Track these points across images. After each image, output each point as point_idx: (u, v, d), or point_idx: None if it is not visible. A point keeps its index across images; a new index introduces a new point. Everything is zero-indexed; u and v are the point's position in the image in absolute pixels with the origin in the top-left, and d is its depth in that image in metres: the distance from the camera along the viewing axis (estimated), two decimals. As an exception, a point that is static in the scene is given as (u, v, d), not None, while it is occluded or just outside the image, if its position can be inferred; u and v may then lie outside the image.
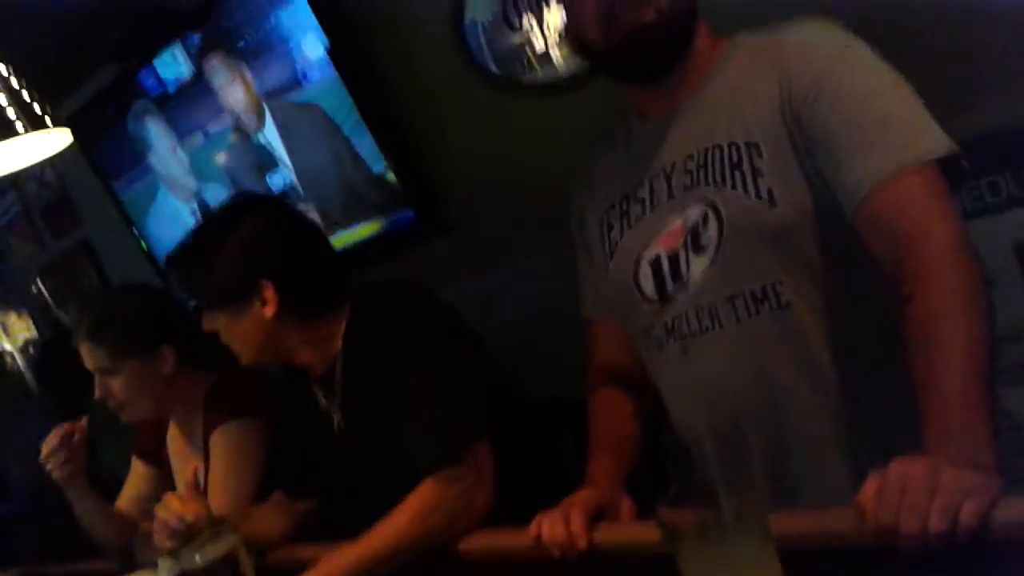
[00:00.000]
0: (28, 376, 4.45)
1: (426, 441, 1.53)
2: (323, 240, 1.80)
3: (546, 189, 2.30)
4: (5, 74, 1.78)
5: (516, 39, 2.24)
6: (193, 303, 1.78)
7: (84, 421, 2.06)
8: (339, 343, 1.70)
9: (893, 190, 1.14)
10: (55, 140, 1.91)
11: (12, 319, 4.53)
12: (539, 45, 2.21)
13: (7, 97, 1.75)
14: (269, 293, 1.65)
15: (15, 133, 1.76)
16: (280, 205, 2.01)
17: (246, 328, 1.68)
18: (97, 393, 2.05)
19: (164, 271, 1.73)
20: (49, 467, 2.03)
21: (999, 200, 1.73)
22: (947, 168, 1.16)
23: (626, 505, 1.28)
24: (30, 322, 4.41)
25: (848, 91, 1.20)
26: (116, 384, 2.02)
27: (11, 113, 1.74)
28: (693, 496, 0.86)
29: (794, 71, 1.24)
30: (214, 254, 1.67)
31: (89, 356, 2.03)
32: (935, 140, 1.16)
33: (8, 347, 4.58)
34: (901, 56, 1.26)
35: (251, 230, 1.68)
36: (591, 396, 1.50)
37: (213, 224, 1.76)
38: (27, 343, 4.47)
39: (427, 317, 1.65)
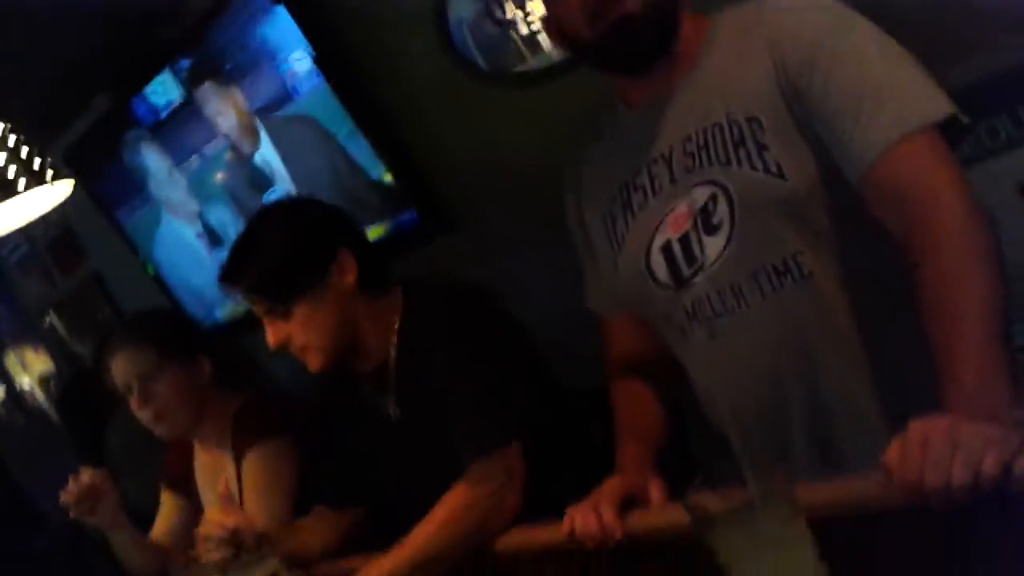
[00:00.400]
0: (50, 410, 4.49)
1: (466, 434, 1.57)
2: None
3: (546, 178, 2.30)
4: (2, 133, 1.78)
5: (502, 32, 2.24)
6: (256, 305, 1.68)
7: (103, 471, 2.04)
8: (394, 335, 1.70)
9: (897, 157, 1.14)
10: (57, 191, 1.92)
11: (29, 355, 4.56)
12: (525, 35, 2.21)
13: (6, 156, 1.75)
14: (347, 260, 1.64)
15: (16, 192, 1.76)
16: (307, 197, 2.12)
17: (325, 311, 1.63)
18: (135, 405, 2.05)
19: (221, 281, 1.66)
20: (75, 514, 2.02)
21: (998, 143, 1.72)
22: (947, 125, 1.17)
23: (655, 487, 1.27)
24: (47, 356, 4.44)
25: (843, 60, 1.19)
26: (159, 388, 2.03)
27: (11, 172, 1.74)
28: (721, 481, 0.87)
29: (786, 44, 1.23)
30: (276, 242, 1.65)
31: (129, 363, 2.04)
32: (934, 103, 1.16)
33: (27, 383, 4.62)
34: (896, 12, 1.25)
35: (308, 210, 1.73)
36: (612, 389, 1.50)
37: (265, 222, 1.73)
38: (45, 377, 4.51)
39: (481, 317, 1.67)
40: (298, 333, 1.64)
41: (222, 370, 2.09)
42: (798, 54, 1.22)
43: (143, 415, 2.07)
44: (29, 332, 4.45)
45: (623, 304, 1.47)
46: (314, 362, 1.67)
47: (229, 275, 1.68)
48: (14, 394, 4.75)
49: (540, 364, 1.75)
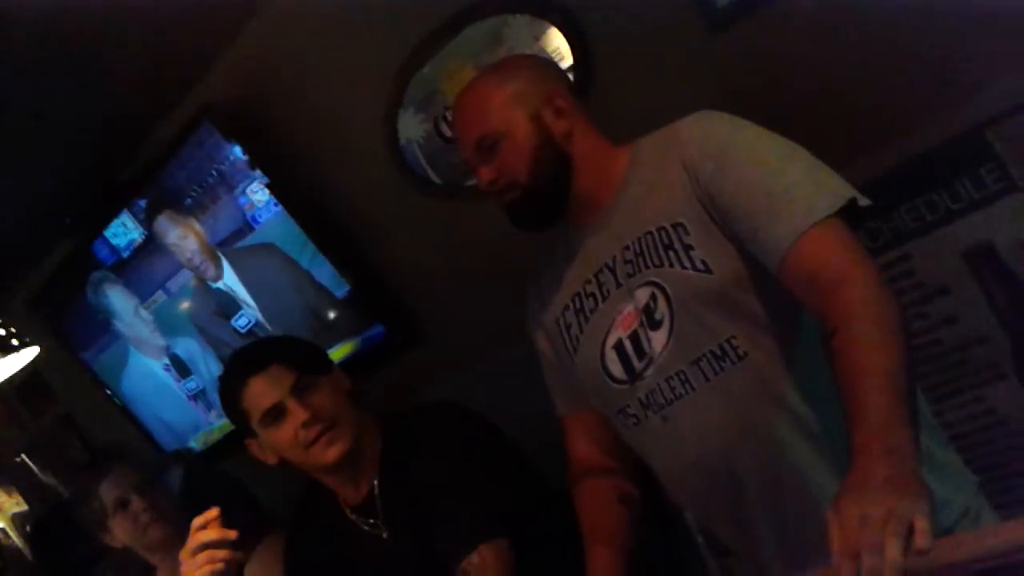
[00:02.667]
0: (25, 550, 4.39)
1: (451, 537, 1.60)
2: None
3: (502, 284, 2.36)
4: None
5: (451, 148, 2.30)
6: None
7: None
8: (375, 466, 1.75)
9: (807, 245, 1.25)
10: (23, 356, 2.00)
11: (1, 497, 4.48)
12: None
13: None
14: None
15: (-18, 361, 1.79)
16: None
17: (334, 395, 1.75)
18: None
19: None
20: None
21: (938, 215, 1.79)
22: (851, 210, 1.27)
23: None
24: (19, 497, 4.37)
25: (748, 164, 1.33)
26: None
27: (-22, 347, 1.76)
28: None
29: (695, 156, 1.37)
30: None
31: (123, 477, 2.12)
32: (835, 192, 1.28)
33: (1, 524, 4.52)
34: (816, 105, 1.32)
35: None
36: (574, 491, 1.56)
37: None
38: (19, 517, 4.42)
39: (457, 426, 1.73)
40: (327, 401, 1.74)
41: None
42: (707, 162, 1.35)
43: (145, 516, 2.11)
44: (1, 474, 4.38)
45: (584, 402, 1.56)
46: (340, 444, 1.72)
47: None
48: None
49: (523, 464, 1.78)
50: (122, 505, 2.13)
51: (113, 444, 2.43)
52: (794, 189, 1.28)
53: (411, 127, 2.33)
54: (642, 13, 1.93)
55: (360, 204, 2.54)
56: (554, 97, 1.47)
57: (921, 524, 0.93)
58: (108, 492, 2.13)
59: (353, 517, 1.79)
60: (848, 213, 1.27)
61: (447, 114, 2.27)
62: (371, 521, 1.76)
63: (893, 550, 0.91)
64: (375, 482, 1.75)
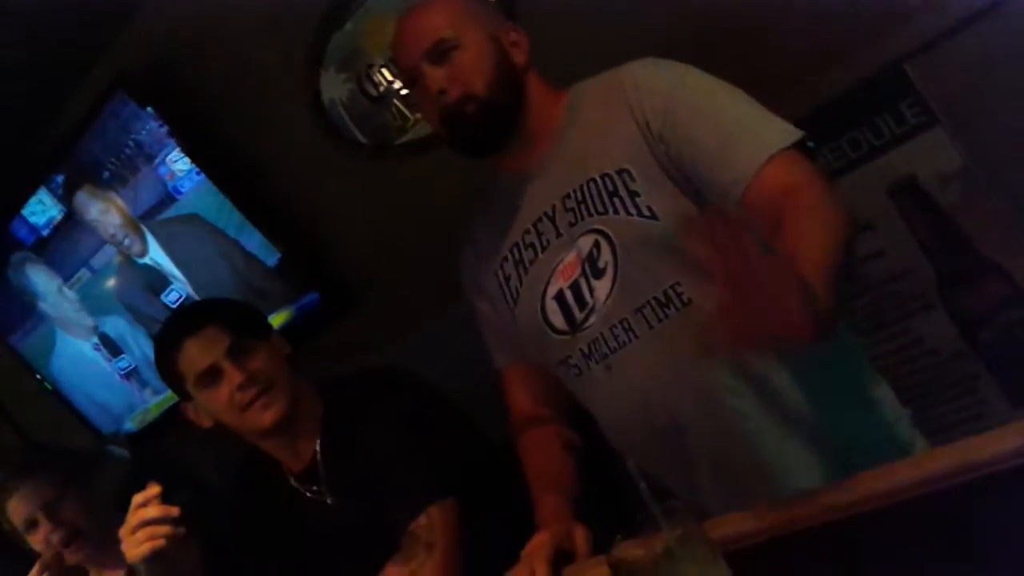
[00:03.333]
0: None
1: (400, 499, 1.60)
2: None
3: (439, 244, 2.34)
4: None
5: (377, 107, 2.26)
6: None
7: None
8: (316, 434, 1.73)
9: (766, 177, 1.26)
10: None
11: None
12: (401, 107, 2.24)
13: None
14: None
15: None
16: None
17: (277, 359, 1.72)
18: (42, 536, 1.99)
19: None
20: None
21: (861, 152, 1.82)
22: (800, 149, 1.29)
23: (580, 535, 1.31)
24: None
25: (699, 106, 1.33)
26: (66, 512, 1.99)
27: None
28: (640, 530, 0.89)
29: (644, 100, 1.35)
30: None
31: (31, 497, 1.99)
32: (784, 130, 1.29)
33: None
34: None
35: None
36: (518, 442, 1.55)
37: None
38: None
39: (398, 391, 1.71)
40: (263, 365, 1.69)
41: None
42: (656, 106, 1.34)
43: (55, 538, 2.00)
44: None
45: (522, 354, 1.54)
46: (276, 407, 1.68)
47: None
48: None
49: (466, 424, 1.78)
50: (31, 526, 2.01)
51: (27, 448, 2.31)
52: (745, 128, 1.29)
53: (334, 87, 2.28)
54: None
55: (286, 168, 2.49)
56: (510, 29, 1.45)
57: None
58: (16, 512, 2.00)
59: (296, 485, 1.77)
60: (799, 150, 1.28)
61: (370, 72, 2.23)
62: (314, 488, 1.75)
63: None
64: (317, 448, 1.73)
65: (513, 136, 1.44)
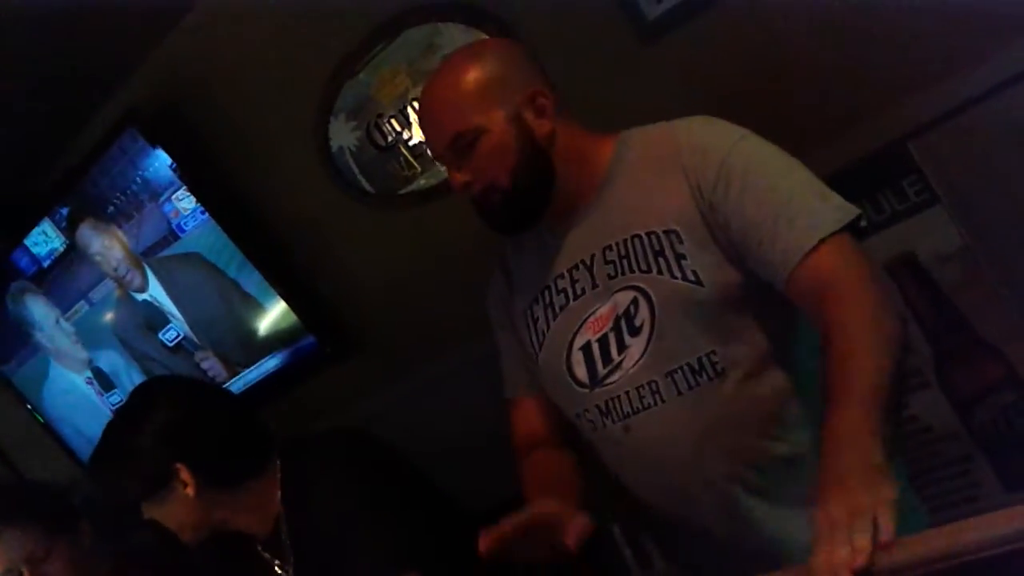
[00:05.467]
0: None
1: (366, 572, 1.54)
2: (233, 404, 1.79)
3: (440, 293, 2.36)
4: None
5: (384, 156, 2.28)
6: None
7: None
8: (278, 502, 1.69)
9: (816, 261, 1.23)
10: None
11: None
12: (408, 157, 2.26)
13: None
14: (185, 475, 1.64)
15: None
16: (183, 384, 1.98)
17: (176, 511, 1.66)
18: None
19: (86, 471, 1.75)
20: None
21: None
22: (854, 227, 1.27)
23: (578, 522, 1.22)
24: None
25: (754, 176, 1.30)
26: (51, 569, 1.92)
27: None
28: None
29: (698, 165, 1.33)
30: (127, 453, 1.66)
31: (15, 547, 1.91)
32: (840, 209, 1.27)
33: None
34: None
35: (156, 419, 1.67)
36: (524, 462, 1.49)
37: (119, 422, 1.73)
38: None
39: (359, 460, 1.66)
40: (160, 520, 1.67)
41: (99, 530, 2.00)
42: (711, 172, 1.31)
43: None
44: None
45: (533, 387, 1.52)
46: (183, 537, 1.69)
47: (89, 472, 1.78)
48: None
49: (428, 489, 1.74)
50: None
51: (19, 488, 2.22)
52: (799, 203, 1.26)
53: (343, 135, 2.30)
54: (575, 23, 1.94)
55: (290, 212, 2.50)
56: (536, 95, 1.37)
57: (883, 518, 0.96)
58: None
59: (264, 554, 1.74)
60: (851, 230, 1.26)
61: (379, 122, 2.25)
62: (278, 563, 1.73)
63: (861, 541, 0.94)
64: (283, 523, 1.70)
65: (550, 203, 1.41)
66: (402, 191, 2.30)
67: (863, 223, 1.29)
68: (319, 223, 2.48)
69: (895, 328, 1.18)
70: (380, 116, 2.25)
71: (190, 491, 1.64)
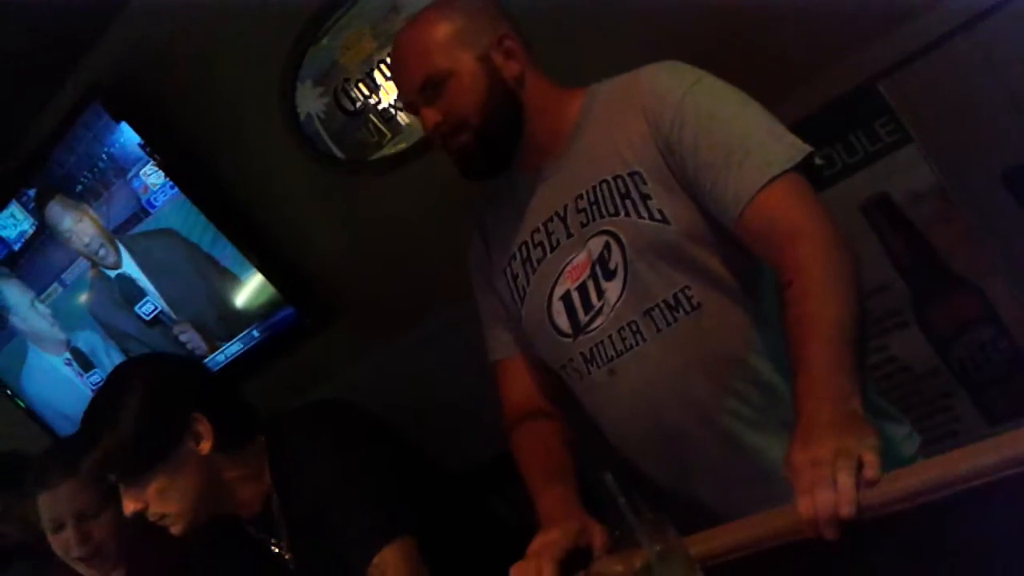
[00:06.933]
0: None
1: (354, 544, 1.53)
2: (212, 371, 1.78)
3: (415, 257, 2.35)
4: None
5: (354, 122, 2.26)
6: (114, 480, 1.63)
7: None
8: (268, 478, 1.67)
9: (766, 200, 1.25)
10: None
11: None
12: (378, 122, 2.24)
13: None
14: (203, 425, 1.59)
15: None
16: (157, 352, 1.95)
17: (184, 479, 1.59)
18: (65, 543, 1.92)
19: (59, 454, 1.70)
20: None
21: (835, 170, 1.83)
22: (804, 165, 1.28)
23: (598, 531, 1.24)
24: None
25: (708, 118, 1.31)
26: (96, 527, 1.93)
27: None
28: (619, 546, 0.88)
29: (656, 107, 1.35)
30: (121, 418, 1.57)
31: (67, 500, 1.91)
32: (792, 148, 1.28)
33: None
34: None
35: (149, 377, 1.62)
36: (512, 435, 1.50)
37: (106, 394, 1.65)
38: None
39: (342, 430, 1.65)
40: (155, 503, 1.59)
41: None
42: (668, 113, 1.33)
43: (76, 552, 1.93)
44: None
45: (523, 347, 1.52)
46: (175, 529, 1.63)
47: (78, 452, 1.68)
48: None
49: (412, 454, 1.73)
50: (57, 527, 1.93)
51: (86, 448, 2.20)
52: (751, 143, 1.27)
53: (310, 101, 2.28)
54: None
55: (261, 183, 2.48)
56: (503, 38, 1.41)
57: (869, 457, 0.96)
58: (46, 508, 1.92)
59: (254, 533, 1.73)
60: (804, 169, 1.27)
61: (347, 86, 2.23)
62: (272, 540, 1.72)
63: (845, 480, 0.94)
64: (274, 496, 1.68)
65: (520, 146, 1.43)
66: (373, 157, 2.28)
67: (817, 160, 1.30)
68: (291, 193, 2.46)
69: (851, 261, 1.20)
70: (347, 81, 2.22)
71: (205, 446, 1.59)
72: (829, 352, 1.09)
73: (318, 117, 2.29)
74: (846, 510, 0.92)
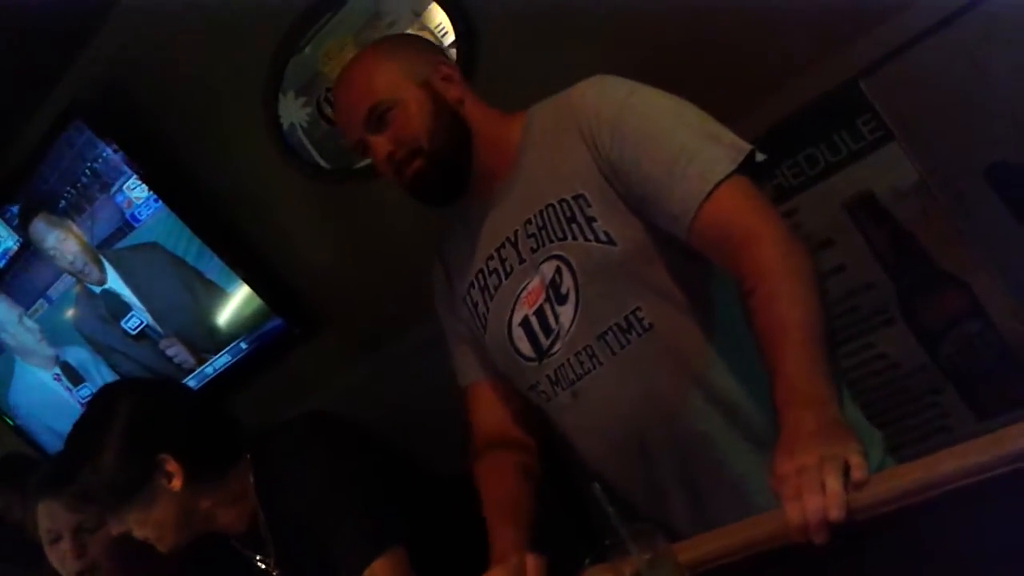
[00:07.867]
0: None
1: (345, 556, 1.52)
2: (194, 394, 1.77)
3: (402, 266, 2.34)
4: None
5: (338, 131, 2.25)
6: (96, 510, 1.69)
7: None
8: (253, 496, 1.66)
9: (713, 207, 1.24)
10: None
11: None
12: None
13: None
14: (171, 465, 1.61)
15: None
16: (141, 381, 1.95)
17: (159, 512, 1.62)
18: (61, 555, 1.92)
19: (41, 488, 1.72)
20: None
21: (819, 169, 1.83)
22: (749, 164, 1.28)
23: (530, 563, 1.27)
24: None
25: (644, 131, 1.31)
26: (94, 542, 1.92)
27: None
28: (609, 555, 0.88)
29: (592, 126, 1.34)
30: (99, 452, 1.60)
31: (68, 513, 1.90)
32: (732, 148, 1.27)
33: None
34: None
35: (127, 412, 1.63)
36: (475, 466, 1.51)
37: (84, 426, 1.67)
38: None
39: (327, 442, 1.64)
40: (136, 529, 1.63)
41: None
42: (605, 132, 1.33)
43: (71, 566, 1.92)
44: None
45: (491, 370, 1.53)
46: (161, 549, 1.65)
47: (52, 480, 1.73)
48: None
49: (399, 462, 1.73)
50: (54, 539, 1.92)
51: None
52: (690, 151, 1.27)
53: (293, 111, 2.27)
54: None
55: (246, 195, 2.47)
56: (439, 64, 1.43)
57: (855, 460, 0.96)
58: (44, 518, 1.92)
59: (238, 546, 1.73)
60: (747, 167, 1.27)
61: (329, 96, 2.22)
62: (258, 556, 1.72)
63: (833, 484, 0.93)
64: (260, 515, 1.67)
65: (471, 173, 1.43)
66: (358, 165, 2.28)
67: (758, 157, 1.29)
68: (276, 203, 2.45)
69: (807, 257, 1.19)
70: (329, 90, 2.22)
71: (176, 483, 1.61)
72: (803, 356, 1.09)
73: (301, 127, 2.29)
74: (835, 513, 0.91)
